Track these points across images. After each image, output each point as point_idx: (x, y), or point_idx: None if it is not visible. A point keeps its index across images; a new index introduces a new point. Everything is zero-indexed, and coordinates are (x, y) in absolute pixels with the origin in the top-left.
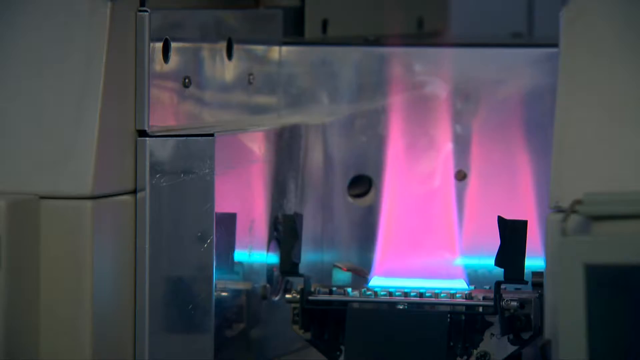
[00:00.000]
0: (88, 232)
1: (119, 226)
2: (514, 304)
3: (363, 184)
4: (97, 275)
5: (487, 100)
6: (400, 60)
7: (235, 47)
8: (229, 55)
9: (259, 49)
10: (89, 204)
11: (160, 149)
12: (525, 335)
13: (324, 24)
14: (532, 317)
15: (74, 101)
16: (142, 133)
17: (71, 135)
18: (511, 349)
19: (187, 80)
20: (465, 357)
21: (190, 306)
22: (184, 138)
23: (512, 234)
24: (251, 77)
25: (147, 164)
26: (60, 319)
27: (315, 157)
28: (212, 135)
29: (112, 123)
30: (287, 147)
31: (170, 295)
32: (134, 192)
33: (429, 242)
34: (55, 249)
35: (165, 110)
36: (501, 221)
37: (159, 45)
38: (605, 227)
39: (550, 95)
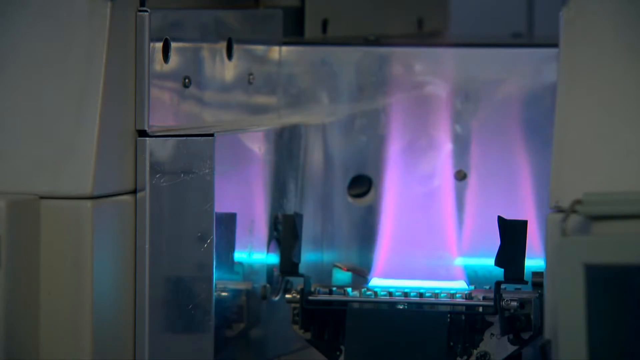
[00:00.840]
0: (88, 232)
1: (119, 226)
2: (514, 304)
3: (363, 184)
4: (97, 275)
5: (487, 100)
6: (400, 60)
7: (235, 47)
8: (229, 55)
9: (259, 49)
10: (89, 204)
11: (160, 149)
12: (525, 335)
13: (324, 24)
14: (532, 317)
15: (74, 101)
16: (142, 133)
17: (71, 135)
18: (511, 349)
19: (187, 80)
20: (465, 357)
21: (190, 306)
22: (184, 138)
23: (512, 234)
24: (251, 77)
25: (147, 164)
26: (60, 319)
27: (315, 157)
28: (212, 135)
29: (112, 123)
30: (287, 147)
31: (170, 295)
32: (134, 192)
33: (429, 242)
34: (55, 248)
35: (165, 110)
36: (501, 221)
37: (159, 45)
38: (605, 227)
39: (550, 95)
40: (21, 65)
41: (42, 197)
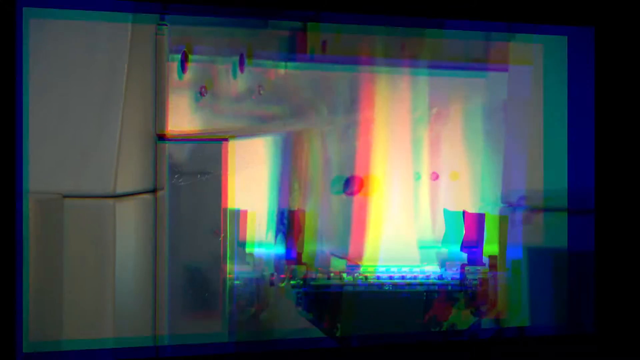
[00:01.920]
0: (110, 228)
1: (138, 223)
2: (475, 282)
3: (356, 184)
4: (118, 269)
5: (469, 105)
6: (387, 78)
7: (247, 61)
8: (241, 69)
9: (268, 63)
10: (111, 202)
11: (178, 152)
12: (484, 309)
13: (324, 44)
14: (489, 293)
15: (98, 110)
16: (162, 137)
17: (95, 140)
18: (473, 319)
19: (202, 90)
20: (437, 328)
21: (206, 294)
22: (200, 142)
23: (473, 225)
24: (260, 88)
25: (166, 165)
26: (83, 311)
27: (315, 159)
28: (225, 140)
29: (133, 128)
30: (291, 151)
31: (187, 284)
32: (153, 191)
33: (410, 231)
34: (79, 244)
35: (183, 117)
36: (465, 214)
37: (178, 57)
38: (542, 218)
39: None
40: (53, 81)
41: (66, 196)
